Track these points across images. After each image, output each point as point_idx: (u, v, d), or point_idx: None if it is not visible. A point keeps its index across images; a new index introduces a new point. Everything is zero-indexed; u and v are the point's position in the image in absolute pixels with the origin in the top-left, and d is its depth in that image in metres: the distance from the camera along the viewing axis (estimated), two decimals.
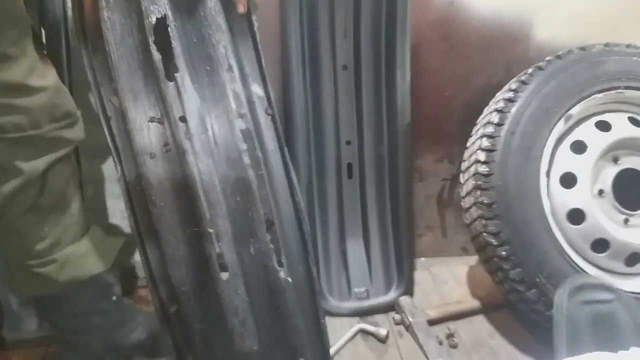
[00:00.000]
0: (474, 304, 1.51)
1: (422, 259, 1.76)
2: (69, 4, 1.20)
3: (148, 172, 1.02)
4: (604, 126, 1.33)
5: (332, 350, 1.36)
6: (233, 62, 1.04)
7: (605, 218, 1.29)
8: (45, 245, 0.97)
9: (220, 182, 1.08)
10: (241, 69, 1.06)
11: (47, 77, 0.95)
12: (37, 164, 0.93)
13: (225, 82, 1.04)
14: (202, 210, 1.05)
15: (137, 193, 1.03)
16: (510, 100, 1.29)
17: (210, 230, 1.06)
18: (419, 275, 1.67)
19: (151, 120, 1.04)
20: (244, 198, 1.10)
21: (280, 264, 1.11)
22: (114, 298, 1.15)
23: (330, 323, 1.47)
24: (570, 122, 1.33)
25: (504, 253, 1.23)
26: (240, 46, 1.06)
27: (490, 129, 1.28)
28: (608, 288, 1.18)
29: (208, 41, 1.03)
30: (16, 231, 0.94)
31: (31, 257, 0.97)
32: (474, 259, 1.73)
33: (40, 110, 0.92)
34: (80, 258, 1.02)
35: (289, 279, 1.12)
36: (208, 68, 1.03)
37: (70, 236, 1.00)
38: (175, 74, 1.02)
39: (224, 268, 1.10)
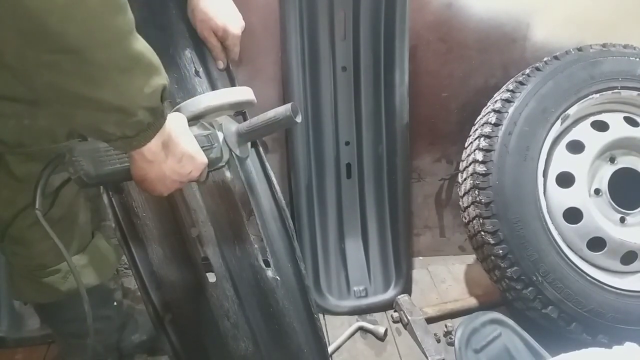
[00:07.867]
0: (472, 302, 1.53)
1: (420, 257, 1.77)
2: None
3: (128, 183, 1.02)
4: (600, 126, 1.34)
5: (331, 348, 1.37)
6: (200, 67, 1.05)
7: (602, 217, 1.30)
8: (50, 256, 0.97)
9: (198, 186, 1.08)
10: (208, 73, 1.07)
11: None
12: (53, 179, 0.90)
13: (195, 87, 1.04)
14: (183, 217, 1.05)
15: (120, 205, 1.04)
16: (508, 101, 1.30)
17: (193, 236, 1.07)
18: (417, 274, 1.68)
19: None
20: (224, 200, 1.10)
21: (266, 263, 1.12)
22: (115, 304, 1.16)
23: (330, 321, 1.49)
24: (567, 122, 1.34)
25: (501, 251, 1.25)
26: (205, 51, 1.07)
27: (487, 129, 1.29)
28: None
29: (174, 49, 1.03)
30: (23, 241, 0.94)
31: (36, 267, 0.97)
32: (471, 258, 1.75)
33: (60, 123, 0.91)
34: (84, 269, 1.02)
35: (277, 277, 1.13)
36: (176, 75, 1.03)
37: (75, 247, 1.00)
38: None
39: (210, 272, 1.10)
